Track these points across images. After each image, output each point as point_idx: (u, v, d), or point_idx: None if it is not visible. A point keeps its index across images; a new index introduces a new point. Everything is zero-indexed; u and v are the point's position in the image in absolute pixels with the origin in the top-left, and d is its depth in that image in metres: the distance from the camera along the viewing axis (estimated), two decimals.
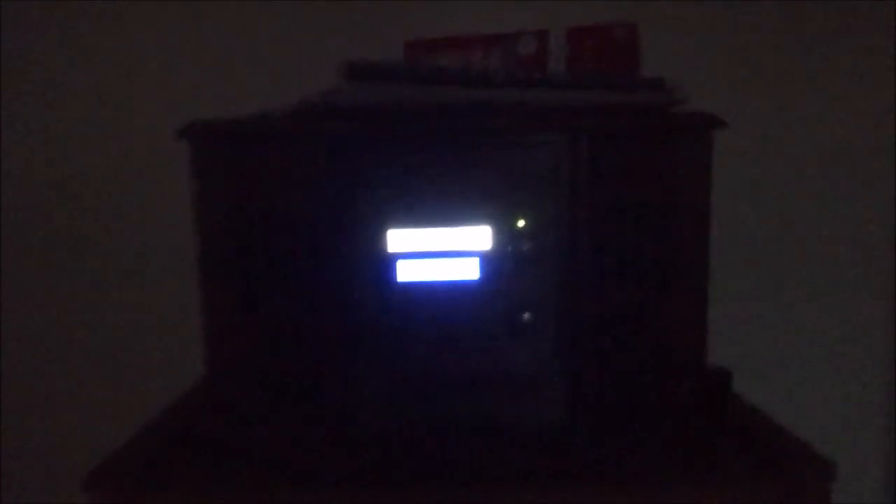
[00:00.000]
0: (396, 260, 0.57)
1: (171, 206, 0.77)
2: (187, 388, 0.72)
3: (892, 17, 0.87)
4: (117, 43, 0.88)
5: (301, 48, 0.83)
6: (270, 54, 0.84)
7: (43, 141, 0.90)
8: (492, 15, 0.73)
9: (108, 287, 0.90)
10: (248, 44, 0.85)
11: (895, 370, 0.94)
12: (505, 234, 0.56)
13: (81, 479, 0.54)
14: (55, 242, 0.91)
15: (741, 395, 0.69)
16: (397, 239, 0.57)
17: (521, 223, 0.56)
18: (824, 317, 0.92)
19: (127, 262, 0.90)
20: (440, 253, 0.57)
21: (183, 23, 0.86)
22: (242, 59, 0.85)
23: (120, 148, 0.88)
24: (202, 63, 0.86)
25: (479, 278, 0.57)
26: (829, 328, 0.92)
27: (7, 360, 0.94)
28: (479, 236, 0.56)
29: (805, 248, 0.91)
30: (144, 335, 0.91)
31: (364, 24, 0.82)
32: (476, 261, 0.57)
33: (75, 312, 0.92)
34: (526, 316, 0.57)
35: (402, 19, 0.78)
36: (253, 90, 0.79)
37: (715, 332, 0.64)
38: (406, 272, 0.57)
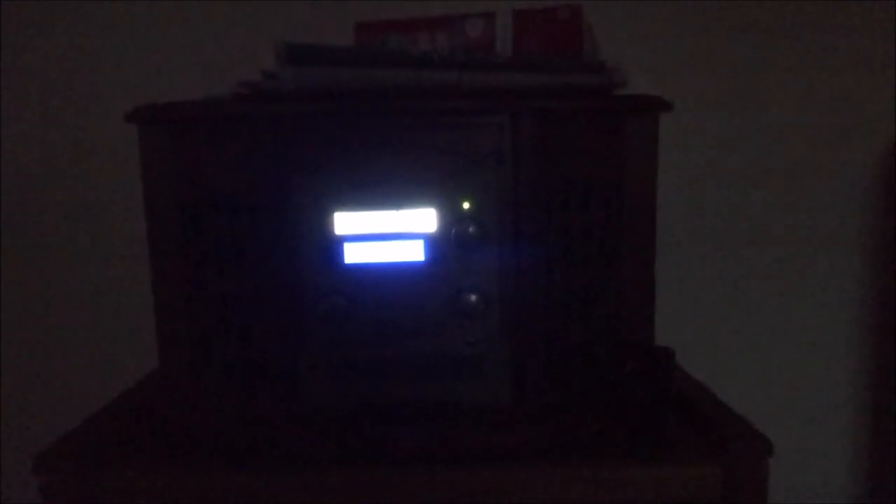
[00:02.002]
0: (343, 242, 0.57)
1: (123, 191, 0.77)
2: (142, 377, 0.73)
3: None
4: (69, 31, 0.87)
5: (250, 31, 0.83)
6: (221, 41, 0.84)
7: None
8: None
9: (64, 272, 0.91)
10: (199, 30, 0.85)
11: (847, 346, 0.95)
12: (449, 216, 0.57)
13: (31, 461, 0.55)
14: (14, 227, 0.91)
15: (687, 373, 0.71)
16: (344, 221, 0.57)
17: (465, 205, 0.57)
18: (774, 296, 0.93)
19: (83, 247, 0.90)
20: (386, 235, 0.57)
21: (131, 10, 0.86)
22: (193, 46, 0.85)
23: (73, 132, 0.87)
24: (151, 48, 0.86)
25: (425, 260, 0.57)
26: (779, 308, 0.94)
27: None
28: (424, 218, 0.57)
29: (752, 226, 0.92)
30: (100, 321, 0.92)
31: (314, 6, 0.82)
32: (421, 243, 0.57)
33: (25, 299, 0.92)
34: (472, 297, 0.57)
35: (353, 4, 0.78)
36: (202, 77, 0.79)
37: (662, 312, 0.65)
38: (353, 254, 0.57)
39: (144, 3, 0.87)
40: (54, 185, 0.89)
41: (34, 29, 0.87)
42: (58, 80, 0.88)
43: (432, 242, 0.57)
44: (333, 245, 0.57)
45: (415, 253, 0.57)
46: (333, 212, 0.57)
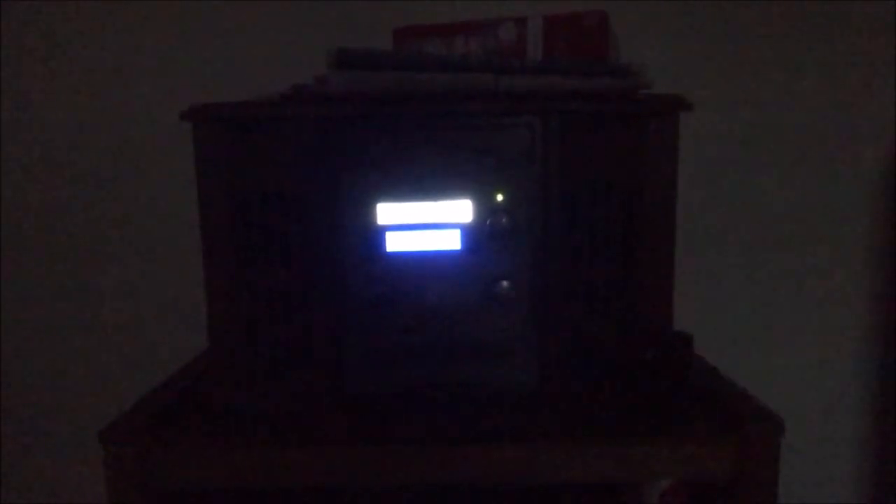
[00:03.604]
0: (385, 231, 0.61)
1: (176, 186, 0.82)
2: (192, 359, 0.77)
3: None
4: (117, 34, 0.91)
5: (294, 37, 0.87)
6: (265, 44, 0.88)
7: (48, 128, 0.93)
8: (476, 3, 0.77)
9: (119, 266, 0.95)
10: (244, 34, 0.89)
11: (861, 337, 0.98)
12: (484, 208, 0.61)
13: (98, 432, 0.59)
14: (65, 224, 0.95)
15: (703, 359, 0.74)
16: (386, 212, 0.61)
17: (499, 198, 0.61)
18: (789, 290, 0.96)
19: (138, 241, 0.94)
20: (425, 225, 0.61)
21: (182, 15, 0.90)
22: (239, 49, 0.89)
23: (124, 133, 0.92)
24: (200, 53, 0.90)
25: (461, 249, 0.61)
26: (793, 302, 0.97)
27: (13, 333, 0.98)
28: (461, 210, 0.61)
29: (768, 222, 0.95)
30: (150, 310, 0.96)
31: (355, 13, 0.86)
32: (458, 232, 0.61)
33: (84, 290, 0.96)
34: (503, 284, 0.62)
35: (391, 8, 0.82)
36: (248, 78, 0.83)
37: (681, 303, 0.69)
38: (394, 243, 0.62)
39: (187, 15, 0.91)
40: (113, 183, 0.93)
41: (86, 29, 0.91)
42: (110, 80, 0.92)
43: (468, 232, 0.61)
44: (376, 234, 0.61)
45: (452, 242, 0.61)
46: (376, 203, 0.61)
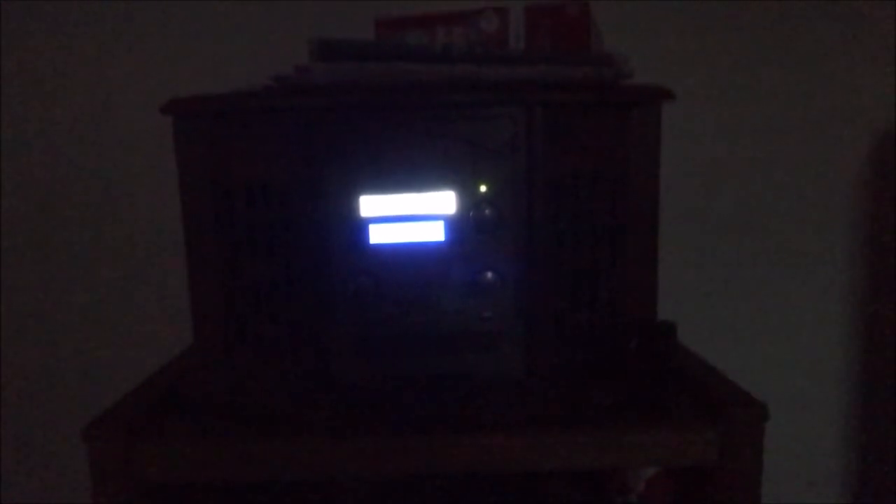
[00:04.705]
0: (368, 224, 0.61)
1: (158, 181, 0.81)
2: (177, 353, 0.76)
3: None
4: (96, 27, 0.90)
5: (274, 28, 0.87)
6: (245, 34, 0.88)
7: (32, 122, 0.93)
8: None
9: (101, 261, 0.94)
10: (223, 25, 0.88)
11: (847, 325, 0.99)
12: (468, 200, 0.61)
13: (81, 430, 0.59)
14: (52, 219, 0.95)
15: (688, 347, 0.74)
16: (369, 204, 0.61)
17: (482, 189, 0.61)
18: (774, 279, 0.97)
19: (119, 234, 0.93)
20: (408, 217, 0.61)
21: (160, 6, 0.89)
22: (218, 41, 0.88)
23: (105, 128, 0.91)
24: (180, 44, 0.89)
25: (445, 240, 0.61)
26: (780, 293, 0.98)
27: (5, 329, 0.98)
28: (444, 201, 0.61)
29: (751, 211, 0.96)
30: (137, 303, 0.96)
31: (336, 3, 0.86)
32: (441, 224, 0.61)
33: (69, 287, 0.96)
34: (488, 275, 0.62)
35: None
36: (228, 70, 0.82)
37: (665, 292, 0.69)
38: (377, 235, 0.61)
39: (166, 6, 0.90)
40: (92, 176, 0.92)
41: (62, 26, 0.90)
42: (88, 74, 0.91)
43: (452, 224, 0.61)
44: (359, 227, 0.61)
45: (435, 234, 0.61)
46: (359, 195, 0.61)
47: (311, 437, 0.59)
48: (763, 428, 0.59)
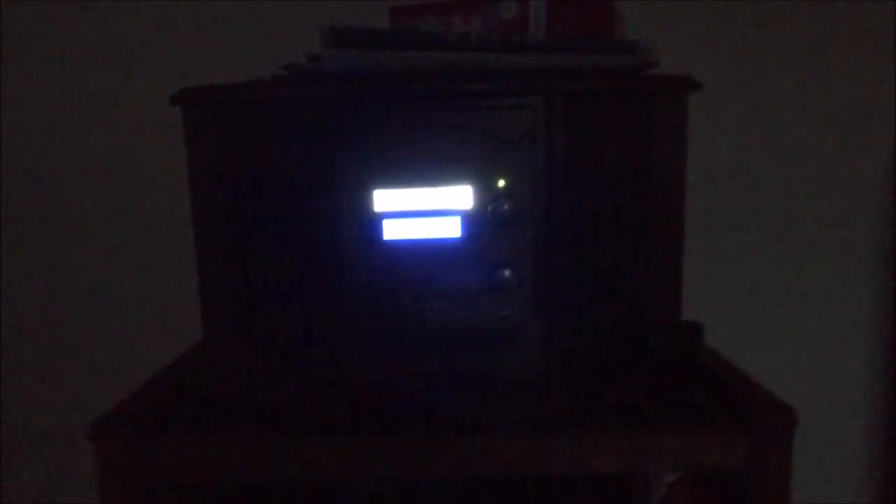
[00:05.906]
0: (383, 219, 0.59)
1: (168, 174, 0.80)
2: (186, 350, 0.75)
3: None
4: (106, 16, 0.89)
5: (288, 16, 0.85)
6: (255, 22, 0.86)
7: (40, 113, 0.92)
8: None
9: (109, 255, 0.94)
10: (234, 13, 0.87)
11: (868, 331, 0.96)
12: (485, 194, 0.59)
13: (88, 426, 0.57)
14: (59, 212, 0.94)
15: (714, 348, 0.72)
16: (383, 199, 0.59)
17: (500, 183, 0.59)
18: (804, 279, 0.94)
19: (128, 229, 0.93)
20: (424, 212, 0.59)
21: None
22: (228, 29, 0.87)
23: (114, 120, 0.90)
24: (191, 33, 0.88)
25: (461, 236, 0.59)
26: (809, 293, 0.95)
27: (9, 324, 0.97)
28: (461, 196, 0.59)
29: (780, 210, 0.93)
30: (145, 299, 0.95)
31: None
32: (458, 219, 0.59)
33: (76, 282, 0.95)
34: (505, 272, 0.60)
35: None
36: (238, 58, 0.81)
37: (690, 289, 0.67)
38: (392, 231, 0.59)
39: None
40: (101, 169, 0.91)
41: (70, 17, 0.90)
42: (98, 63, 0.90)
43: (468, 219, 0.59)
44: (373, 222, 0.59)
45: (451, 229, 0.59)
46: (373, 189, 0.59)
47: (323, 437, 0.58)
48: (793, 433, 0.57)
